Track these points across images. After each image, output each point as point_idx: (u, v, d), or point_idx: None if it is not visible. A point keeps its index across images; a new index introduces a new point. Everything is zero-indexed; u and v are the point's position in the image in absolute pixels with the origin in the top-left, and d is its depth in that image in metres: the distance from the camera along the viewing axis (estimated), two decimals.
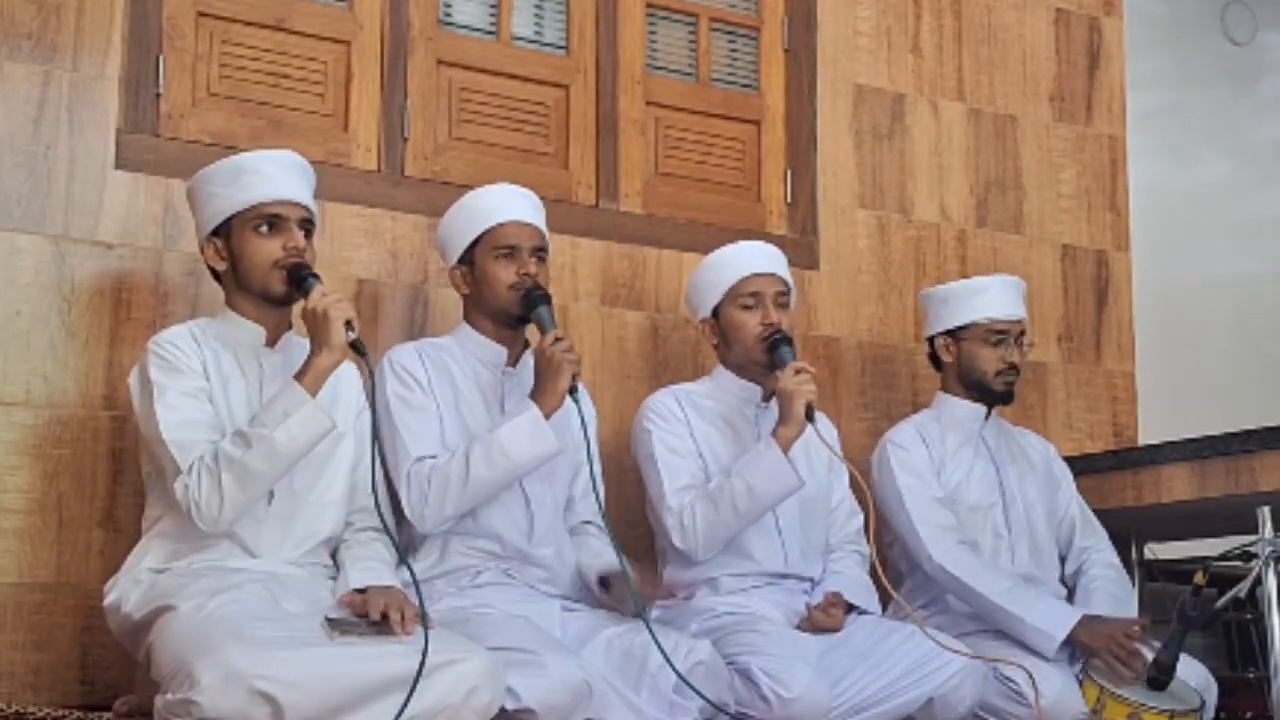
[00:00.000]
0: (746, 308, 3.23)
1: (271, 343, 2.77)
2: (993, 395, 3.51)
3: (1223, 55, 5.49)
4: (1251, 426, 3.47)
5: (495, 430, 2.82)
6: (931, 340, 3.59)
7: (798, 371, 3.08)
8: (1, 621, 2.91)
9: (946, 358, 3.55)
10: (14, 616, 2.92)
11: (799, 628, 3.08)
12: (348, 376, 2.80)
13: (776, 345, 3.17)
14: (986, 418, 3.55)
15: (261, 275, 2.71)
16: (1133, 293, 4.51)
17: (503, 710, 2.44)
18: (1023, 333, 3.53)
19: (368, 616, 2.47)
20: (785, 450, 3.04)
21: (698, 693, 2.65)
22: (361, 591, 2.57)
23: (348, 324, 2.59)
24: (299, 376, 2.58)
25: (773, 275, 3.27)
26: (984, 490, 3.47)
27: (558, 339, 2.85)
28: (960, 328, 3.51)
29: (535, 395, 2.84)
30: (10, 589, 2.93)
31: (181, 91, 3.31)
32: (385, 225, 3.45)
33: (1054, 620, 3.20)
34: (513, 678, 2.45)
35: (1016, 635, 3.21)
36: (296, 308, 2.75)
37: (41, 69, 3.11)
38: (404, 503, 2.82)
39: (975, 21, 4.37)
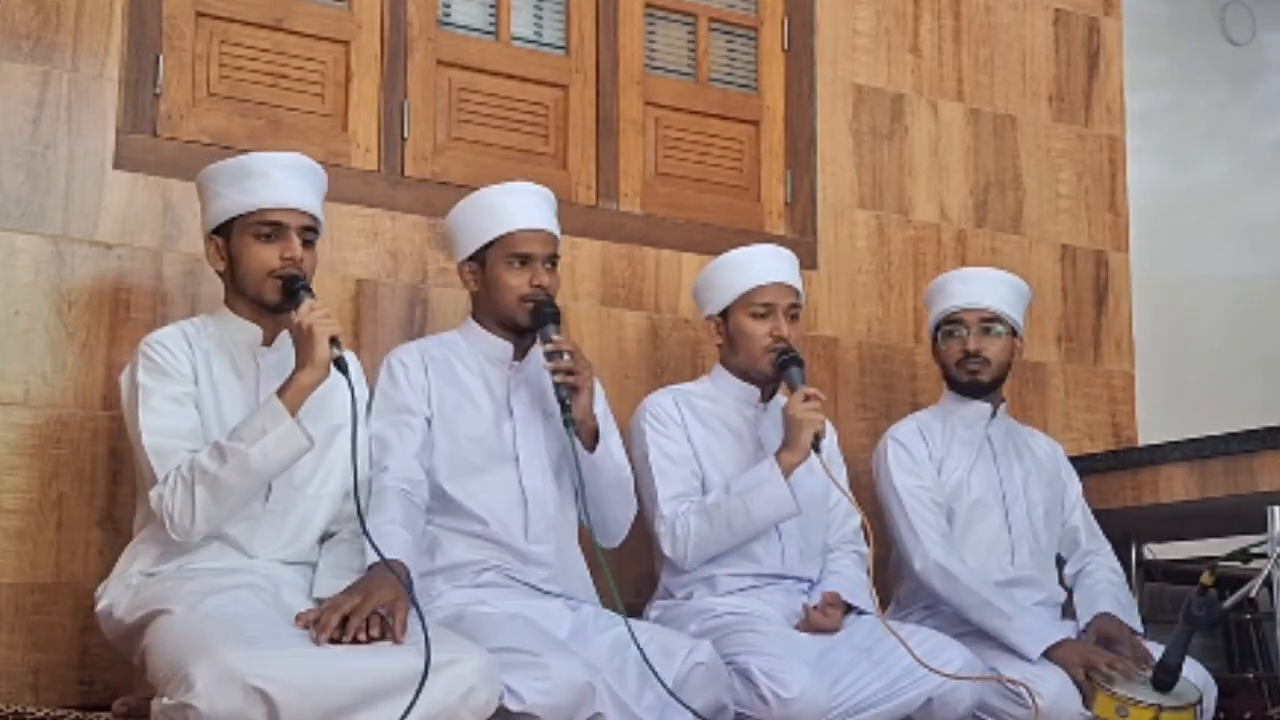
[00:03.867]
0: (758, 316, 3.20)
1: (268, 341, 2.74)
2: (961, 387, 3.46)
3: (1221, 55, 5.49)
4: (1251, 426, 3.48)
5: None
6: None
7: (807, 398, 3.06)
8: (1, 621, 2.91)
9: (934, 357, 3.54)
10: (14, 616, 2.92)
11: (797, 628, 3.08)
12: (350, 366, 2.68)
13: (786, 365, 3.14)
14: (993, 416, 3.51)
15: (256, 282, 2.68)
16: (1132, 293, 4.51)
17: (507, 713, 2.43)
18: (970, 319, 3.41)
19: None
20: (786, 476, 3.03)
21: (686, 707, 2.63)
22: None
23: (333, 341, 2.56)
24: (281, 392, 2.54)
25: (788, 286, 3.23)
26: (985, 489, 3.44)
27: (571, 370, 2.83)
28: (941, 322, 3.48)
29: (585, 438, 2.86)
30: (10, 589, 2.93)
31: (181, 91, 3.31)
32: (384, 225, 3.45)
33: (1044, 627, 3.20)
34: (515, 680, 2.44)
35: (1002, 633, 3.18)
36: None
37: (41, 69, 3.11)
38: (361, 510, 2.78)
39: (974, 21, 4.37)
